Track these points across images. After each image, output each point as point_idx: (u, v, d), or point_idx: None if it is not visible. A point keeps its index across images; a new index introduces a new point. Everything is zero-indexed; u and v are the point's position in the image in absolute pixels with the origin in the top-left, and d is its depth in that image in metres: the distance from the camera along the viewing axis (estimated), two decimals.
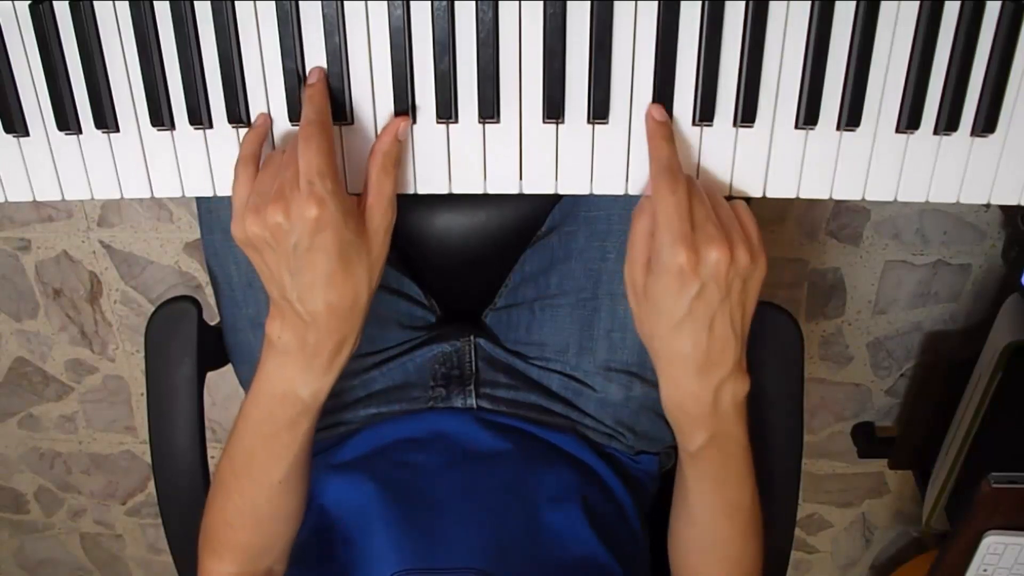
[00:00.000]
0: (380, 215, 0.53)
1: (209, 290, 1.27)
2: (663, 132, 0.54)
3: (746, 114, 0.54)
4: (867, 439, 1.44)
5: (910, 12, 0.53)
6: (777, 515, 0.75)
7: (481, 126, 0.56)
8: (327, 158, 0.50)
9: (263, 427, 0.58)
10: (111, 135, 0.57)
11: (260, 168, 0.53)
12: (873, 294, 1.34)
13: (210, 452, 0.76)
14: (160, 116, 0.56)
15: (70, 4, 0.54)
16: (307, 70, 0.55)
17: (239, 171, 0.54)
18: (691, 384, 0.54)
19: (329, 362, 0.55)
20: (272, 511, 0.61)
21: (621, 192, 0.57)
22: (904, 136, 0.55)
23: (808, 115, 0.54)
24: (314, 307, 0.52)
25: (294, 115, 0.56)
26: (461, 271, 0.82)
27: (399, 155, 0.55)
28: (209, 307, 0.76)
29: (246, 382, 0.79)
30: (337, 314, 0.53)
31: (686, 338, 0.52)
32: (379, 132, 0.55)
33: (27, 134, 0.58)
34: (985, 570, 0.93)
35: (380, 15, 0.54)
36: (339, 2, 0.53)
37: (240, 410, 0.59)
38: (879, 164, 0.56)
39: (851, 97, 0.54)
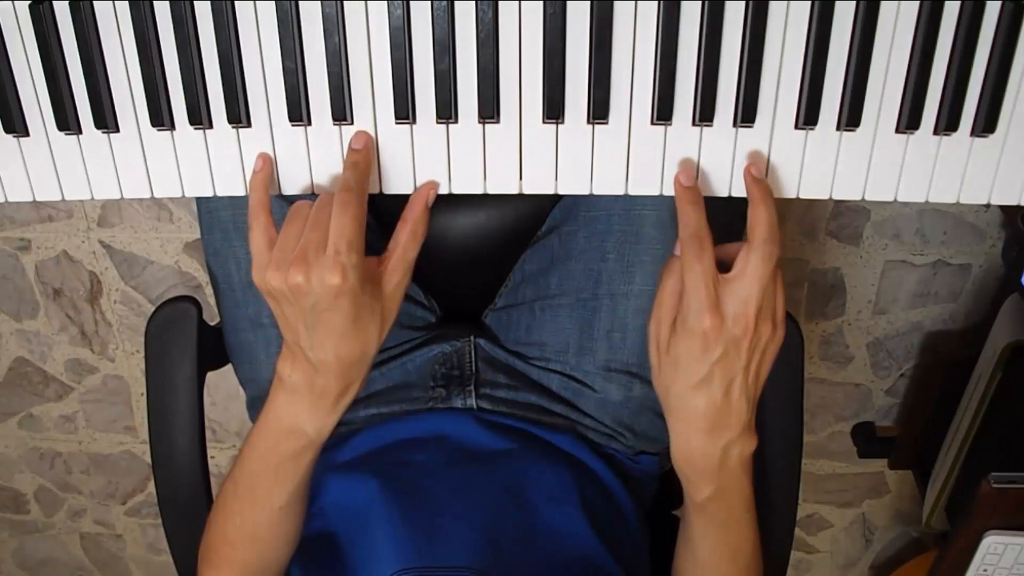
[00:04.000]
0: (398, 280, 0.56)
1: (209, 290, 1.27)
2: (690, 197, 0.54)
3: (746, 114, 0.54)
4: (867, 439, 1.44)
5: (910, 12, 0.53)
6: (777, 516, 0.75)
7: (481, 126, 0.56)
8: (358, 229, 0.52)
9: (268, 457, 0.60)
10: (111, 135, 0.57)
11: (286, 220, 0.54)
12: (873, 294, 1.34)
13: (210, 452, 0.76)
14: (160, 116, 0.56)
15: (70, 4, 0.54)
16: (309, 71, 0.55)
17: (252, 222, 0.55)
18: (701, 441, 0.56)
19: (334, 404, 0.58)
20: (271, 534, 0.64)
21: (621, 192, 0.57)
22: (904, 136, 0.55)
23: (808, 115, 0.54)
24: (324, 357, 0.55)
25: (293, 115, 0.55)
26: (461, 271, 0.82)
27: (428, 223, 0.57)
28: (209, 307, 0.76)
29: (246, 382, 0.79)
30: (345, 364, 0.56)
31: (702, 398, 0.54)
32: (411, 199, 0.56)
33: (27, 134, 0.57)
34: (985, 570, 0.93)
35: (380, 15, 0.53)
36: (339, 2, 0.53)
37: (247, 438, 0.62)
38: (879, 164, 0.56)
39: (851, 97, 0.54)
